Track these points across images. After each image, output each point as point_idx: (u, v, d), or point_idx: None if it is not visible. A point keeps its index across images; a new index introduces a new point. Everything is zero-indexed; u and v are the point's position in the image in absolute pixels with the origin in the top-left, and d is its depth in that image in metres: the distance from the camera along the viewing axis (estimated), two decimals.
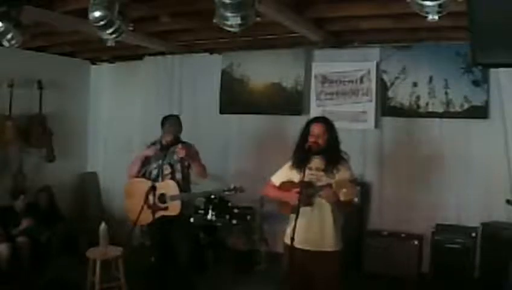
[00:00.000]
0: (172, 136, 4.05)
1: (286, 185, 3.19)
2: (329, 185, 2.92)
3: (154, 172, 4.07)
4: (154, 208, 3.76)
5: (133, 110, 6.64)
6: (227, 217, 5.27)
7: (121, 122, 6.73)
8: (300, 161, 3.11)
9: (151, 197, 3.62)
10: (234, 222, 5.27)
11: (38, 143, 5.97)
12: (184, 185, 4.08)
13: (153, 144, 4.12)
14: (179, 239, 4.05)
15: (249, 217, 5.38)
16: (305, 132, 3.17)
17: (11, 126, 5.59)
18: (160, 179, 4.04)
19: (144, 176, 4.09)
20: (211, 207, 5.21)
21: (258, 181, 5.61)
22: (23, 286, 4.59)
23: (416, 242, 4.72)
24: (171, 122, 4.16)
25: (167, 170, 4.07)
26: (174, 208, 3.94)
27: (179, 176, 4.07)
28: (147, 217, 3.68)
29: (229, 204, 5.38)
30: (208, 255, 5.18)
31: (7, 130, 5.56)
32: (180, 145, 4.03)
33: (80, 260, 4.42)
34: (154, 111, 6.37)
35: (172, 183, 3.97)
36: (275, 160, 5.60)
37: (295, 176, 3.14)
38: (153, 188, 3.64)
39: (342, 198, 2.85)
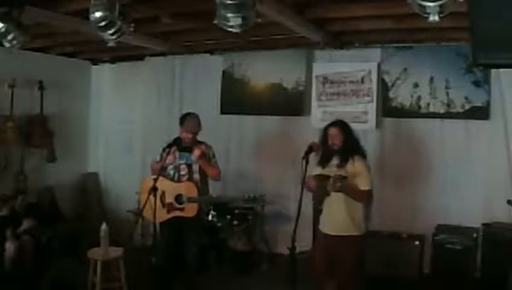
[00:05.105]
0: (191, 135, 4.05)
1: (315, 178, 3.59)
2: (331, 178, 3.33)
3: (171, 172, 4.07)
4: (168, 208, 3.77)
5: (134, 110, 6.66)
6: (228, 217, 5.27)
7: (122, 122, 6.73)
8: (323, 161, 3.61)
9: (152, 198, 3.64)
10: (235, 222, 5.27)
11: (39, 144, 5.98)
12: (202, 187, 4.08)
13: (170, 145, 4.03)
14: (190, 241, 4.05)
15: (250, 218, 5.37)
16: (324, 135, 3.63)
17: (12, 127, 5.60)
18: (176, 178, 4.04)
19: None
20: (211, 208, 5.20)
21: (258, 181, 5.69)
22: (24, 286, 4.59)
23: (417, 243, 4.70)
24: (190, 120, 4.14)
25: (184, 170, 4.07)
26: (190, 210, 3.95)
27: (196, 176, 4.07)
28: (161, 215, 3.71)
29: (230, 205, 5.38)
30: (208, 256, 5.17)
31: (8, 130, 5.57)
32: (197, 146, 4.06)
33: (81, 261, 4.42)
34: (155, 112, 6.42)
35: (191, 185, 3.97)
36: (275, 160, 5.70)
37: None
38: (154, 189, 3.65)
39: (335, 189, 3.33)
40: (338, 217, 3.49)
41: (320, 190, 3.48)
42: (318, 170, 3.61)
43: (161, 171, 3.89)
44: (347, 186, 3.35)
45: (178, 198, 3.97)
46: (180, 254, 4.06)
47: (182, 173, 4.07)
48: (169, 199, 3.98)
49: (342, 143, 3.55)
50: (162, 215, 3.89)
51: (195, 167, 4.08)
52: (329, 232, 3.56)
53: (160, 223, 4.06)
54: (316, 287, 3.78)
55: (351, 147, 3.58)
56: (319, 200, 3.66)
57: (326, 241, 3.56)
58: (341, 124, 3.66)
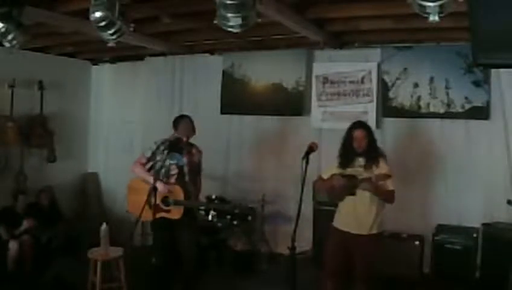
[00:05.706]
0: (186, 138, 4.05)
1: (332, 177, 3.61)
2: (369, 179, 3.38)
3: (162, 171, 4.06)
4: (155, 209, 3.76)
5: (134, 110, 6.66)
6: (228, 217, 5.27)
7: (121, 122, 6.74)
8: (346, 162, 3.60)
9: (151, 198, 3.64)
10: (235, 222, 5.26)
11: (39, 144, 5.98)
12: (190, 190, 4.06)
13: (170, 145, 3.99)
14: (184, 240, 4.03)
15: (249, 218, 5.37)
16: (348, 136, 3.62)
17: (12, 127, 5.60)
18: (165, 178, 4.03)
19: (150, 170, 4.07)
20: (212, 207, 5.20)
21: (258, 181, 5.69)
22: (24, 286, 4.60)
23: (417, 243, 4.70)
24: (185, 124, 4.12)
25: (174, 170, 4.06)
26: (176, 213, 3.94)
27: (186, 179, 4.07)
28: (147, 215, 3.71)
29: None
30: (208, 256, 5.17)
31: (8, 130, 5.58)
32: (194, 150, 4.09)
33: (81, 261, 4.42)
34: (155, 112, 6.41)
35: (178, 188, 3.96)
36: (275, 160, 5.69)
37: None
38: (154, 189, 3.65)
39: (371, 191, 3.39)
40: (366, 216, 3.49)
41: (347, 189, 3.49)
42: (337, 171, 3.60)
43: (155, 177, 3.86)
44: (381, 186, 3.43)
45: (165, 200, 3.97)
46: (178, 254, 4.05)
47: (172, 172, 4.07)
48: (156, 200, 3.96)
49: (367, 145, 3.57)
50: (149, 215, 3.86)
51: (186, 169, 4.08)
52: (351, 230, 3.51)
53: (151, 223, 4.06)
54: (316, 287, 3.79)
55: (376, 148, 3.63)
56: (337, 198, 3.63)
57: (346, 239, 3.52)
58: (365, 126, 3.67)
